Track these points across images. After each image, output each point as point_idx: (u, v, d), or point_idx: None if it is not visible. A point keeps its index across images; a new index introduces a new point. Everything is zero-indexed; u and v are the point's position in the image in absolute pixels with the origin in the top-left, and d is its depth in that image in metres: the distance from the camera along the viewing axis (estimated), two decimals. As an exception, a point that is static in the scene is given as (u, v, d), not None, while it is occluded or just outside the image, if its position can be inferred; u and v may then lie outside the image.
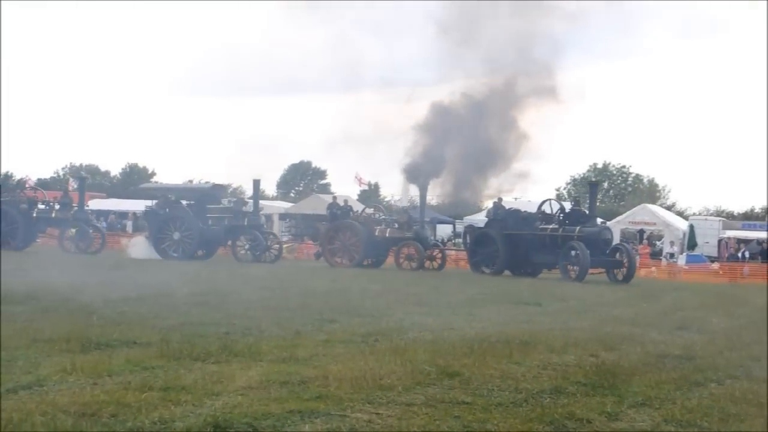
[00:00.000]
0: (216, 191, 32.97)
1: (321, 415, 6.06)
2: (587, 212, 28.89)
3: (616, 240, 33.80)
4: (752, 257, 45.72)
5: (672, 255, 45.53)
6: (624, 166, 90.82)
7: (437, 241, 34.78)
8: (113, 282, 16.77)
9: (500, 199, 31.43)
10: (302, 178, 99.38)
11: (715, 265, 41.41)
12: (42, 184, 68.32)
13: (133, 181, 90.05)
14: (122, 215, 56.16)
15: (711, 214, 68.13)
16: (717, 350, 10.65)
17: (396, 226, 30.88)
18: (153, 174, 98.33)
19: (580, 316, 14.17)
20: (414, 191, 33.86)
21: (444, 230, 53.16)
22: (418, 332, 10.95)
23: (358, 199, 71.14)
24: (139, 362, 7.69)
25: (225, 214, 31.55)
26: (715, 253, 47.09)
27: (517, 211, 29.68)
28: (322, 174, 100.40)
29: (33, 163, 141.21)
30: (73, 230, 32.06)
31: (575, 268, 26.35)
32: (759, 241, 47.95)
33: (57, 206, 32.77)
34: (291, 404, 6.28)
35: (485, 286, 20.97)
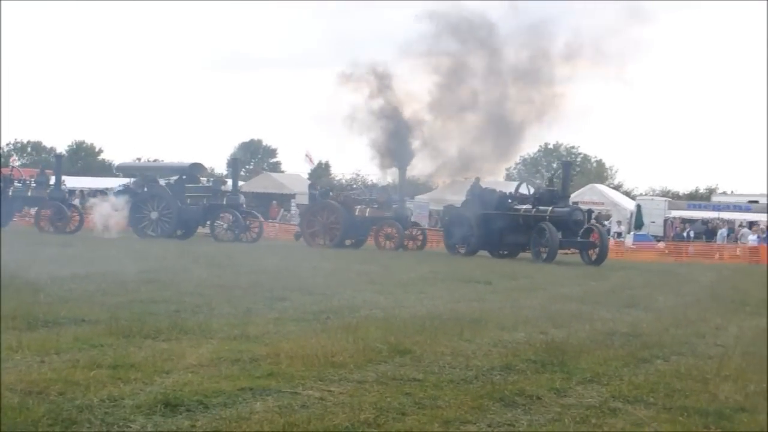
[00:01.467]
0: (195, 170, 32.51)
1: (272, 393, 6.05)
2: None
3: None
4: (697, 236, 46.41)
5: (619, 234, 46.07)
6: (573, 147, 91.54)
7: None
8: (62, 259, 16.55)
9: (478, 179, 30.92)
10: (253, 156, 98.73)
11: (662, 245, 42.01)
12: (-15, 160, 67.19)
13: (80, 158, 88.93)
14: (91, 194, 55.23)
15: (657, 195, 69.03)
16: (663, 327, 10.81)
17: (376, 205, 30.46)
18: (100, 151, 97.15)
19: (530, 295, 14.28)
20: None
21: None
22: (370, 310, 10.96)
23: (308, 178, 71.00)
24: (87, 340, 7.61)
25: (204, 193, 31.11)
26: (661, 233, 47.73)
27: (492, 191, 29.31)
28: (272, 152, 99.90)
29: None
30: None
31: (546, 249, 26.08)
32: (703, 221, 48.69)
33: (33, 185, 32.00)
34: (242, 382, 6.26)
35: (437, 264, 21.04)
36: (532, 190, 28.49)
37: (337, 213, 29.84)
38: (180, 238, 29.83)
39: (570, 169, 30.37)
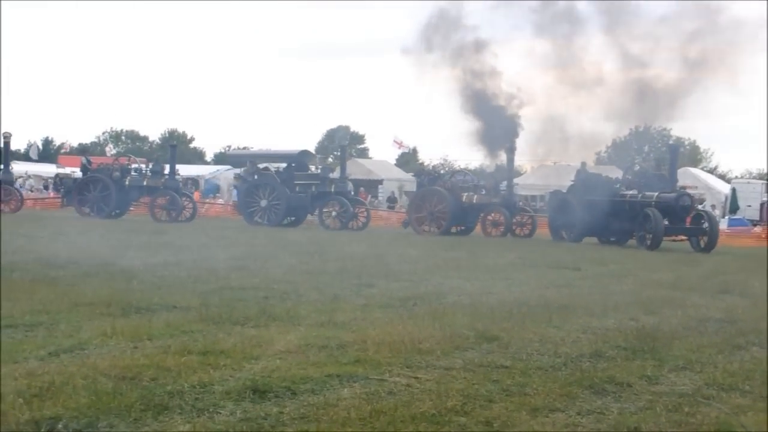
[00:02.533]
0: (303, 158, 32.74)
1: (360, 379, 6.06)
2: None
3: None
4: (795, 220, 45.07)
5: (714, 218, 44.95)
6: (665, 129, 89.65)
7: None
8: (153, 246, 16.88)
9: (584, 164, 30.28)
10: (340, 143, 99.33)
11: (758, 229, 40.87)
12: (82, 149, 69.00)
13: (173, 146, 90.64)
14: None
15: (753, 177, 67.24)
16: (759, 314, 10.50)
17: (483, 192, 29.94)
18: (192, 139, 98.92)
19: (620, 281, 14.06)
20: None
21: None
22: (457, 296, 10.93)
23: (396, 164, 71.11)
24: (178, 326, 7.74)
25: (312, 180, 31.11)
26: (757, 217, 46.46)
27: (598, 176, 28.72)
28: (360, 138, 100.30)
29: (72, 128, 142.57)
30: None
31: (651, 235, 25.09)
32: (802, 204, 47.25)
33: (149, 174, 32.26)
34: (329, 368, 6.29)
35: (525, 250, 20.86)
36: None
37: (444, 200, 29.37)
38: (289, 226, 30.04)
39: (677, 153, 29.02)
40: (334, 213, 30.39)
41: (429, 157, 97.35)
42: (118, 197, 31.17)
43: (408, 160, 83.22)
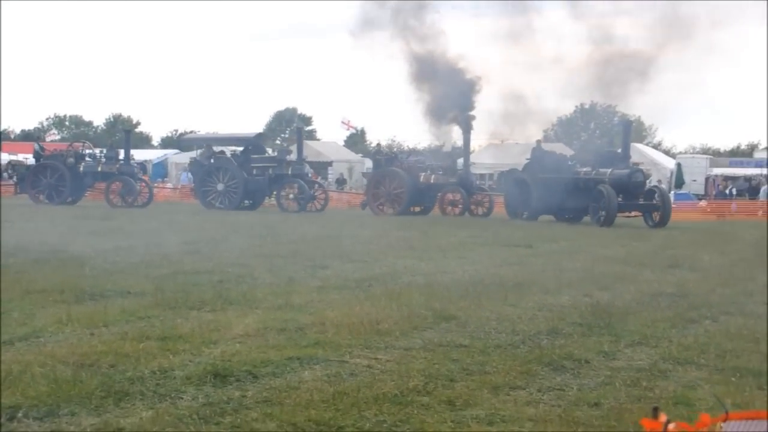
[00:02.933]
0: (260, 140, 32.40)
1: (320, 361, 6.06)
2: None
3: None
4: (739, 194, 45.90)
5: (660, 194, 45.56)
6: (610, 106, 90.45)
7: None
8: (104, 232, 16.68)
9: (539, 142, 30.32)
10: (288, 125, 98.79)
11: (703, 203, 41.56)
12: (26, 135, 67.89)
13: (117, 131, 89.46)
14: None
15: (697, 152, 68.22)
16: (710, 287, 10.71)
17: (441, 172, 30.03)
18: (138, 124, 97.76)
19: (572, 257, 14.19)
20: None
21: None
22: (412, 276, 10.96)
23: (344, 145, 70.97)
24: (134, 312, 7.67)
25: (269, 163, 30.93)
26: (702, 191, 47.24)
27: (553, 154, 28.83)
28: (308, 120, 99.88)
29: (14, 113, 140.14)
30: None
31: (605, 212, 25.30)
32: (746, 178, 48.10)
33: (103, 159, 31.78)
34: (289, 351, 6.28)
35: (475, 229, 20.96)
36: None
37: (401, 180, 29.46)
38: (247, 209, 29.84)
39: (630, 129, 28.76)
40: (291, 195, 30.27)
41: (377, 137, 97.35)
42: (72, 184, 30.76)
43: (356, 141, 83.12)
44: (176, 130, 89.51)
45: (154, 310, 7.80)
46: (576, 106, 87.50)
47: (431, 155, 33.41)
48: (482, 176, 45.14)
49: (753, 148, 71.97)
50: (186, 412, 4.82)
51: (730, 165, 52.95)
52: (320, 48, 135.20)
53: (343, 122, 72.20)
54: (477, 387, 5.53)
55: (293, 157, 31.49)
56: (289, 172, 30.46)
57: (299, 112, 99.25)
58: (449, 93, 30.26)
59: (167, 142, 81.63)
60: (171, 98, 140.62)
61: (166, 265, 11.23)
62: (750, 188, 46.68)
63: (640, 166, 28.10)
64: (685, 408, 5.09)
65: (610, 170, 26.04)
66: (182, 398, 5.09)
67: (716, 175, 49.28)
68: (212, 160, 30.70)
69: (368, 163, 61.44)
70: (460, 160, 31.39)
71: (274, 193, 30.77)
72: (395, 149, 60.81)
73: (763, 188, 45.09)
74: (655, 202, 26.22)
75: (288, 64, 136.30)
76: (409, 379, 5.61)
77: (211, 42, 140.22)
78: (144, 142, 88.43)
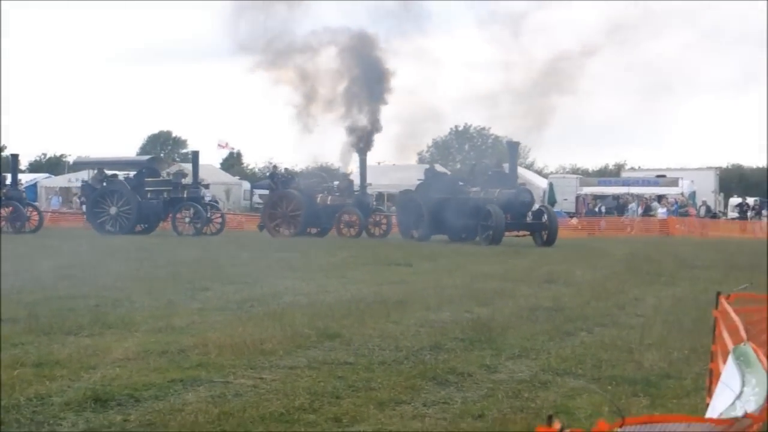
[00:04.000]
0: (154, 164, 31.55)
1: (204, 383, 5.97)
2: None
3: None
4: (608, 211, 47.38)
5: (533, 212, 46.64)
6: (483, 128, 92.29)
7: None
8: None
9: (432, 164, 30.51)
10: (162, 148, 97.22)
11: (575, 220, 42.74)
12: None
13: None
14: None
15: (568, 172, 70.11)
16: (584, 301, 11.01)
17: (337, 193, 29.84)
18: (4, 147, 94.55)
19: (451, 275, 14.38)
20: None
21: None
22: (293, 296, 10.91)
23: (220, 167, 70.28)
24: (6, 339, 7.40)
25: (164, 187, 30.08)
26: (573, 209, 48.57)
27: (444, 175, 28.95)
28: (183, 143, 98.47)
29: None
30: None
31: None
32: (614, 196, 49.69)
33: None
34: (172, 373, 6.17)
35: (355, 249, 21.03)
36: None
37: (297, 202, 29.18)
38: (142, 233, 29.05)
39: (516, 149, 29.16)
40: (187, 219, 29.65)
41: (254, 160, 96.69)
42: None
43: (233, 163, 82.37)
44: (44, 154, 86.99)
45: (28, 336, 7.55)
46: (450, 128, 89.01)
47: (328, 176, 33.18)
48: (381, 196, 45.13)
49: (620, 167, 74.44)
50: (66, 438, 4.68)
51: (599, 184, 54.55)
52: (194, 71, 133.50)
53: (220, 144, 71.48)
54: (363, 403, 5.54)
55: (189, 180, 30.91)
56: (185, 195, 29.82)
57: (174, 135, 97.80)
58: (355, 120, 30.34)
59: (35, 166, 79.19)
60: (38, 121, 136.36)
61: (39, 291, 10.88)
62: (618, 206, 48.24)
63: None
64: (567, 417, 5.21)
65: (498, 190, 26.37)
66: (61, 425, 4.94)
67: (586, 194, 50.74)
68: (104, 184, 29.89)
69: (246, 185, 61.15)
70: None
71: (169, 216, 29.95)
72: (280, 171, 60.57)
73: (630, 206, 46.72)
74: (543, 221, 26.67)
75: (160, 87, 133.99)
76: (294, 398, 5.59)
77: (82, 63, 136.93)
78: (6, 166, 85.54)
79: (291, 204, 29.38)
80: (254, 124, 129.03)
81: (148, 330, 8.03)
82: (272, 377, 6.23)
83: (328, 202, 29.66)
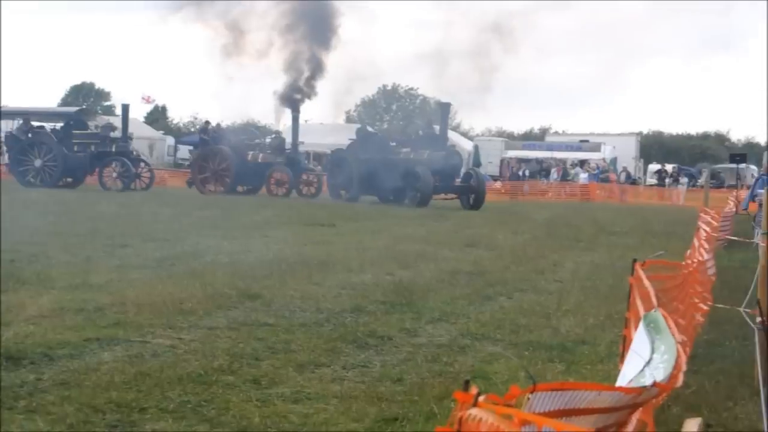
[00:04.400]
0: (82, 115, 30.60)
1: (121, 342, 5.90)
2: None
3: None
4: (531, 176, 47.89)
5: (457, 175, 46.92)
6: (412, 89, 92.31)
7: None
8: None
9: (365, 123, 30.07)
10: (85, 99, 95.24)
11: (498, 184, 43.11)
12: None
13: None
14: None
15: (494, 135, 70.63)
16: (504, 265, 11.14)
17: (269, 151, 29.37)
18: None
19: (374, 236, 14.41)
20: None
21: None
22: (215, 255, 10.81)
23: (144, 121, 69.12)
24: None
25: (92, 140, 29.22)
26: (497, 172, 48.95)
27: (375, 135, 28.61)
28: (106, 95, 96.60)
29: None
30: None
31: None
32: (538, 160, 50.21)
33: None
34: (88, 332, 6.08)
35: (280, 208, 20.93)
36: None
37: (228, 159, 28.68)
38: (67, 187, 28.28)
39: (448, 111, 28.27)
40: (115, 174, 28.91)
41: (179, 115, 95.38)
42: None
43: (157, 117, 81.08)
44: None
45: (-61, 292, 7.36)
46: (378, 88, 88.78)
47: (259, 133, 32.65)
48: (316, 155, 44.51)
49: (545, 132, 75.21)
50: (-24, 397, 4.58)
51: (524, 148, 55.00)
52: (118, 23, 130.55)
53: (143, 98, 70.34)
54: (282, 365, 5.54)
55: (118, 134, 30.21)
56: (113, 150, 29.07)
57: (97, 86, 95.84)
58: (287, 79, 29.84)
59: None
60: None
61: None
62: (541, 170, 48.78)
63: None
64: (483, 381, 5.27)
65: (428, 152, 26.23)
66: (-29, 383, 4.83)
67: (510, 158, 51.16)
68: (30, 135, 29.02)
69: (170, 140, 60.25)
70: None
71: (96, 170, 29.20)
72: (208, 125, 59.61)
73: (553, 170, 47.30)
74: (471, 184, 26.65)
75: (83, 37, 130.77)
76: (213, 359, 5.55)
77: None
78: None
79: (221, 160, 28.94)
80: (178, 77, 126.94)
81: (65, 287, 7.88)
82: (191, 337, 6.18)
83: (259, 160, 29.23)
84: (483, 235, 15.34)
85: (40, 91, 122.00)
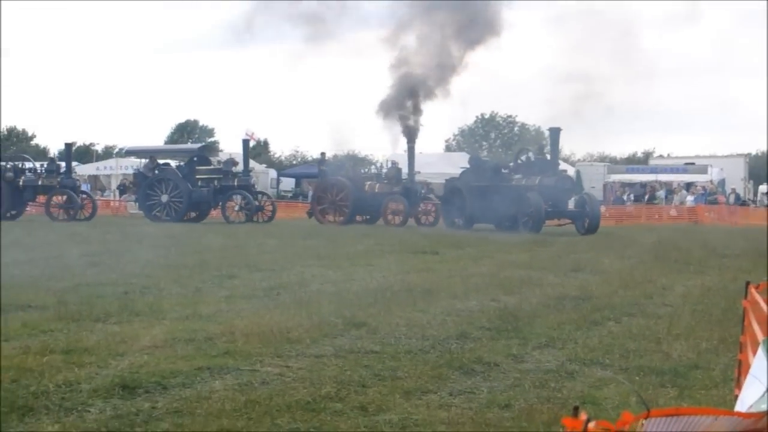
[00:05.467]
0: (205, 151, 31.70)
1: (231, 371, 5.99)
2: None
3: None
4: (636, 199, 47.06)
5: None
6: (510, 116, 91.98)
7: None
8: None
9: (477, 152, 30.09)
10: (189, 137, 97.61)
11: (602, 208, 42.43)
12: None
13: (12, 143, 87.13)
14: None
15: (595, 160, 69.71)
16: (612, 290, 10.95)
17: (386, 181, 29.64)
18: (33, 136, 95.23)
19: (478, 263, 14.35)
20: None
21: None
22: (320, 284, 10.93)
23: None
24: (36, 326, 7.46)
25: (215, 174, 30.16)
26: (601, 197, 48.25)
27: (487, 162, 28.53)
28: (209, 132, 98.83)
29: None
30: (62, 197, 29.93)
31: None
32: (642, 184, 49.33)
33: (44, 173, 30.67)
34: (199, 361, 6.20)
35: (383, 237, 21.03)
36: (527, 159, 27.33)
37: (345, 189, 29.10)
38: (193, 221, 29.22)
39: (558, 135, 27.58)
40: (237, 207, 29.68)
41: (281, 148, 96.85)
42: (12, 197, 29.66)
43: (260, 152, 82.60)
44: (74, 142, 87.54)
45: (57, 324, 7.60)
46: (476, 116, 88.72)
47: (378, 165, 32.80)
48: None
49: (648, 155, 73.92)
50: (94, 425, 4.72)
51: (627, 171, 54.12)
52: (217, 59, 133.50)
53: (247, 134, 71.67)
54: (389, 392, 5.55)
55: (239, 168, 31.00)
56: (235, 184, 29.83)
57: (201, 123, 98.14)
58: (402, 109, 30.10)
59: (66, 155, 79.81)
60: (64, 110, 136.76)
61: (68, 278, 10.97)
62: (645, 194, 47.90)
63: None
64: (593, 407, 5.18)
65: (539, 178, 25.88)
66: (89, 411, 4.97)
67: (614, 182, 50.39)
68: (156, 171, 30.03)
69: (272, 173, 61.27)
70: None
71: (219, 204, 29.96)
72: (303, 158, 60.58)
73: (659, 193, 46.38)
74: (585, 209, 26.26)
75: (183, 77, 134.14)
76: (321, 386, 5.60)
77: (109, 53, 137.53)
78: (41, 154, 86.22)
79: (338, 191, 29.30)
80: (279, 112, 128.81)
81: (176, 317, 8.07)
82: (299, 365, 6.24)
83: (376, 190, 29.47)
84: (588, 260, 15.13)
85: (144, 130, 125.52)
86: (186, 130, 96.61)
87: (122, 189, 35.89)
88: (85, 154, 71.40)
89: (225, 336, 7.12)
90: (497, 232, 25.50)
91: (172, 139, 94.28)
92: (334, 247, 17.51)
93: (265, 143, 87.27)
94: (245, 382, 5.73)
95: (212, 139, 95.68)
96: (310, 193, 32.54)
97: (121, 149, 75.78)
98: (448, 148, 69.31)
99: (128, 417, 4.87)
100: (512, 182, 26.56)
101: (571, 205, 26.99)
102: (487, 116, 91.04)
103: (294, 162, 77.91)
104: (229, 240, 18.97)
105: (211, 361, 6.21)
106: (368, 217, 29.82)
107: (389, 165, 30.65)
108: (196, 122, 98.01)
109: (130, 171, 46.55)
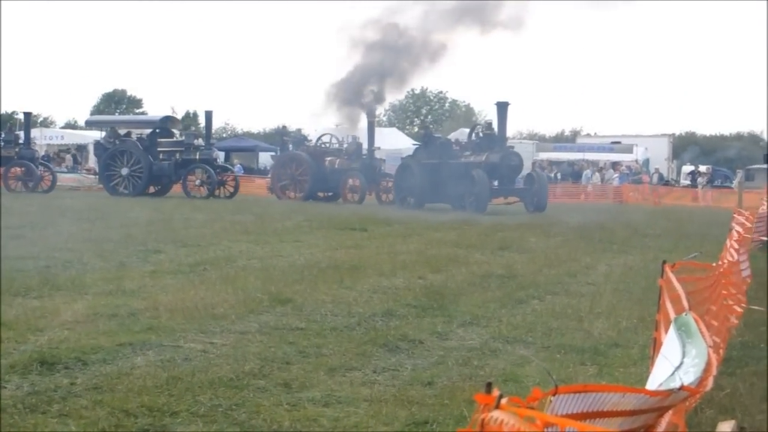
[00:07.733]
0: (167, 124, 30.74)
1: (153, 347, 5.94)
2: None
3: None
4: (564, 178, 47.62)
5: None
6: (441, 92, 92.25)
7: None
8: None
9: (429, 128, 29.49)
10: (117, 107, 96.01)
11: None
12: None
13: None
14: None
15: (525, 138, 70.31)
16: (536, 268, 11.10)
17: (345, 156, 29.01)
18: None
19: (406, 240, 14.41)
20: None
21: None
22: (247, 260, 10.88)
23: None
24: (-47, 300, 7.30)
25: (176, 147, 29.32)
26: (529, 175, 48.64)
27: (439, 139, 27.70)
28: (137, 102, 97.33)
29: None
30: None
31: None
32: (569, 163, 49.92)
33: (1, 144, 29.78)
34: (121, 337, 6.13)
35: (311, 213, 20.97)
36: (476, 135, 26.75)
37: (305, 165, 28.55)
38: (154, 195, 28.50)
39: (506, 111, 26.15)
40: (198, 181, 29.02)
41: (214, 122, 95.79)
42: None
43: (189, 124, 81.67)
44: (10, 112, 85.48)
45: (-24, 298, 7.45)
46: (407, 92, 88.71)
47: (339, 140, 32.13)
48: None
49: (576, 134, 74.79)
50: (10, 401, 4.63)
51: (555, 150, 54.60)
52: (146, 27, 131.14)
53: (171, 108, 70.77)
54: (313, 369, 5.55)
55: (202, 141, 30.15)
56: (197, 157, 29.01)
57: (129, 94, 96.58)
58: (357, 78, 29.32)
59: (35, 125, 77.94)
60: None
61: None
62: (573, 172, 48.48)
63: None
64: (514, 384, 5.26)
65: (486, 154, 25.32)
66: (6, 387, 4.89)
67: (542, 160, 50.87)
68: (116, 143, 29.15)
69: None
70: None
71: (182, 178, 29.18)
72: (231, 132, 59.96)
73: (585, 173, 47.02)
74: (532, 187, 25.83)
75: (120, 44, 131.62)
76: (244, 363, 5.58)
77: (36, 18, 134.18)
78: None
79: (299, 167, 28.83)
80: (210, 84, 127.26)
81: (98, 292, 7.98)
82: (223, 342, 6.21)
83: (336, 166, 28.88)
84: (515, 238, 15.28)
85: (70, 98, 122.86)
86: (114, 100, 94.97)
87: (46, 159, 35.00)
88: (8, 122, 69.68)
89: (149, 311, 7.05)
90: (451, 211, 24.88)
91: (99, 109, 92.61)
92: (263, 222, 17.41)
93: (194, 115, 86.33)
94: (168, 358, 5.68)
95: (140, 110, 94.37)
96: (270, 168, 31.77)
97: (45, 119, 74.31)
98: (378, 123, 69.18)
99: (46, 393, 4.80)
100: (461, 159, 25.92)
101: (520, 184, 26.53)
102: (417, 92, 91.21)
103: (224, 135, 77.13)
104: (156, 214, 18.73)
105: (134, 337, 6.15)
106: (330, 194, 29.20)
107: (350, 140, 29.98)
108: (123, 92, 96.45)
109: (55, 141, 45.62)
